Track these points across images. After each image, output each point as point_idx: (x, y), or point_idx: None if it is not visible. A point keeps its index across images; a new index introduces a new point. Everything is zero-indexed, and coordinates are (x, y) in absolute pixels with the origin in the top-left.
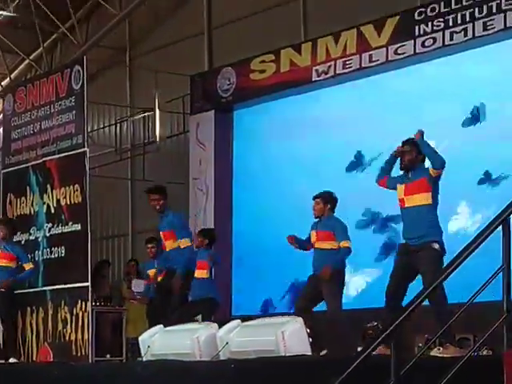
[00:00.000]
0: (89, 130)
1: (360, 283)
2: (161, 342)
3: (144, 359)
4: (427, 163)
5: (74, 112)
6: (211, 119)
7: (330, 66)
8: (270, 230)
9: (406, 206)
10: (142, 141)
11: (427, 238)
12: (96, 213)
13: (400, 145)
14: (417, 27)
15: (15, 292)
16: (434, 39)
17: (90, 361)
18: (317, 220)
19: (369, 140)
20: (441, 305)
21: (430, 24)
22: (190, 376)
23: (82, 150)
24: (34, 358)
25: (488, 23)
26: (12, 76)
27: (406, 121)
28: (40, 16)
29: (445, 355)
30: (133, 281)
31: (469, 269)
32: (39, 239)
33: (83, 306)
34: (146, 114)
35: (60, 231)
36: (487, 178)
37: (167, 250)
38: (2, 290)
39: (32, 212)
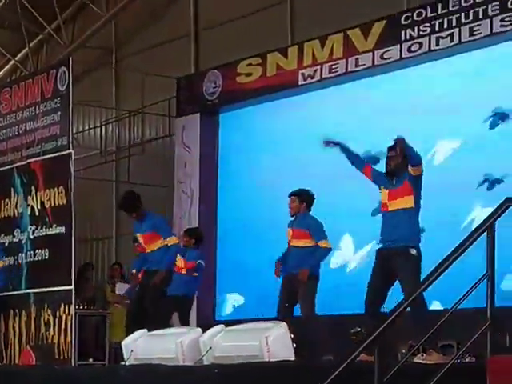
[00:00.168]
0: (74, 131)
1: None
2: (144, 346)
3: (127, 363)
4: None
5: (59, 113)
6: (197, 122)
7: (316, 70)
8: (254, 234)
9: (389, 209)
10: (127, 143)
11: (405, 243)
12: (80, 215)
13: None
14: (403, 32)
15: None
16: (421, 44)
17: (73, 364)
18: (293, 218)
19: (354, 143)
20: (421, 310)
21: (416, 29)
22: (173, 380)
23: (67, 151)
24: (17, 361)
25: (474, 29)
26: None
27: (391, 125)
28: (26, 16)
29: (428, 362)
30: (117, 284)
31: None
32: (23, 241)
33: (66, 309)
34: (131, 116)
35: (44, 233)
36: None
37: (147, 251)
38: None
39: (16, 214)
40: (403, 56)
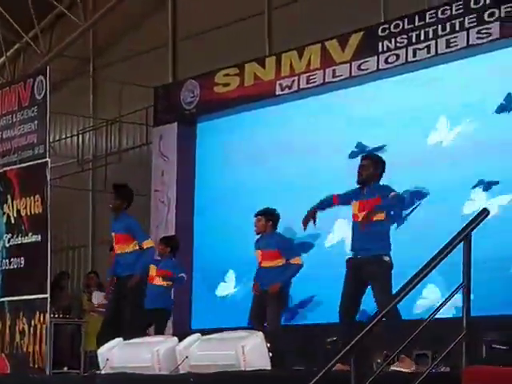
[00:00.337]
0: (51, 140)
1: None
2: (120, 354)
3: (103, 372)
4: (382, 181)
5: (36, 122)
6: (174, 131)
7: (293, 81)
8: (232, 244)
9: (359, 220)
10: (104, 152)
11: (377, 252)
12: (56, 224)
13: None
14: (380, 43)
15: None
16: (398, 56)
17: (48, 373)
18: (259, 237)
19: (331, 154)
20: (395, 320)
21: (393, 40)
22: None
23: (44, 160)
24: None
25: (451, 41)
26: None
27: (368, 136)
28: (3, 25)
29: (403, 369)
30: (93, 293)
31: None
32: None
33: (41, 317)
34: (108, 125)
35: (20, 242)
36: None
37: (117, 252)
38: None
39: None
40: (380, 67)
